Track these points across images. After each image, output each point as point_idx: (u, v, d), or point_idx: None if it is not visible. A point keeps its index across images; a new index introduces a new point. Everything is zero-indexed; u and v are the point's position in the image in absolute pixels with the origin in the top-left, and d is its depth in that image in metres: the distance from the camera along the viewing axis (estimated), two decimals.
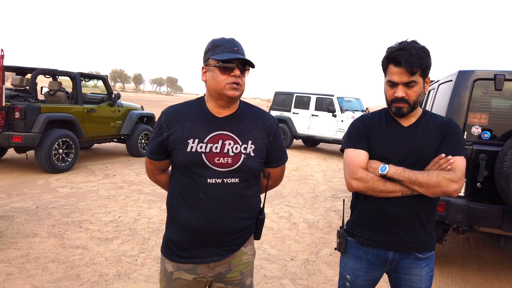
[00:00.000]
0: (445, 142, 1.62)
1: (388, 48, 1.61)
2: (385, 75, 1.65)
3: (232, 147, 1.55)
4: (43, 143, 6.43)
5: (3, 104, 6.10)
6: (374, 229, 1.70)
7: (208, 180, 1.52)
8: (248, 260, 1.67)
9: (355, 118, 1.86)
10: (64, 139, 6.78)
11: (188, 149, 1.52)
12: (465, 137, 3.29)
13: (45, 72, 7.11)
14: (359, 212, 1.76)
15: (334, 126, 11.23)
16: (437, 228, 3.64)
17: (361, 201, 1.75)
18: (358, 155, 1.67)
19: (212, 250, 1.56)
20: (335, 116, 11.17)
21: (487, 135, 3.25)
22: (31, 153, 7.03)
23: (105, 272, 3.28)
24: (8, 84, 7.30)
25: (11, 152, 7.86)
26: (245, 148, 1.56)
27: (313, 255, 4.00)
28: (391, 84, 1.61)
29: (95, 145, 9.78)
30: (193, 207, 1.53)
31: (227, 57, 1.49)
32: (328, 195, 6.64)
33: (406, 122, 1.68)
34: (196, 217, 1.53)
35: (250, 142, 1.58)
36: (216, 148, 1.53)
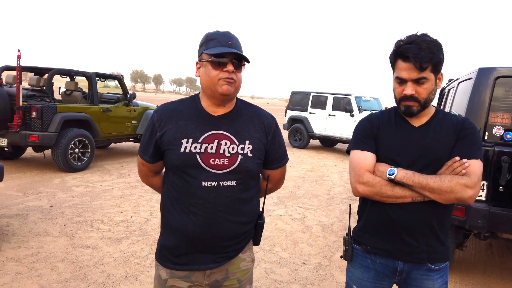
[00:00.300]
0: (459, 143, 1.49)
1: (396, 42, 1.49)
2: (393, 71, 1.53)
3: (228, 148, 1.46)
4: (59, 143, 6.51)
5: (20, 104, 6.20)
6: (382, 236, 1.58)
7: (203, 182, 1.43)
8: (247, 267, 1.58)
9: (363, 117, 1.75)
10: (80, 138, 6.85)
11: (182, 150, 1.44)
12: (486, 138, 3.12)
13: (61, 72, 7.20)
14: (366, 218, 1.65)
15: (352, 126, 11.00)
16: (457, 234, 3.47)
17: (368, 206, 1.64)
18: (365, 158, 1.56)
19: (208, 257, 1.48)
20: (352, 116, 10.96)
21: (510, 136, 3.06)
22: (48, 152, 7.12)
23: (113, 273, 3.25)
24: (25, 84, 7.42)
25: (30, 151, 8.00)
26: (242, 149, 1.47)
27: (326, 260, 3.88)
28: (400, 81, 1.49)
29: (112, 145, 9.88)
30: (187, 211, 1.45)
31: (220, 51, 1.40)
32: (344, 197, 6.49)
33: (417, 122, 1.56)
34: (191, 222, 1.45)
35: (247, 142, 1.49)
36: (211, 148, 1.45)
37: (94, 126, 7.24)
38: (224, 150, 1.45)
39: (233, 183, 1.46)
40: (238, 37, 1.52)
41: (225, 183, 1.45)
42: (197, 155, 1.44)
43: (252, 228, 1.58)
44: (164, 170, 1.61)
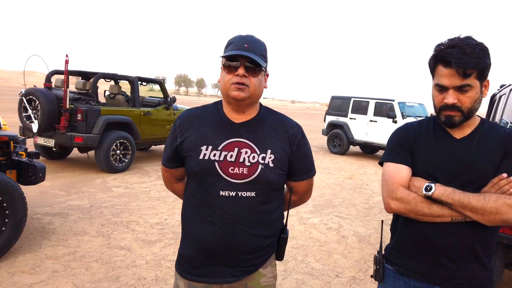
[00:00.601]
0: (507, 158, 1.33)
1: (437, 46, 1.35)
2: (433, 78, 1.39)
3: (248, 156, 1.40)
4: (102, 144, 6.75)
5: (67, 107, 6.49)
6: (417, 258, 1.44)
7: (221, 192, 1.38)
8: (268, 284, 1.50)
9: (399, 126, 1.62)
10: (121, 140, 7.07)
11: (201, 157, 1.40)
12: None
13: (106, 76, 7.48)
14: (400, 236, 1.52)
15: None
16: (506, 254, 3.18)
17: (401, 224, 1.51)
18: (399, 171, 1.44)
19: (226, 270, 1.42)
20: (395, 122, 10.55)
21: None
22: (92, 153, 7.41)
23: (144, 276, 3.28)
24: (73, 88, 7.78)
25: (75, 151, 8.38)
26: (263, 158, 1.40)
27: (361, 273, 3.70)
28: (440, 88, 1.35)
29: (152, 147, 10.13)
30: (205, 221, 1.41)
31: (226, 54, 1.37)
32: (384, 207, 6.21)
33: (459, 134, 1.41)
34: (208, 232, 1.39)
35: (269, 151, 1.41)
36: (231, 156, 1.39)
37: (135, 128, 7.45)
38: (244, 159, 1.39)
39: (253, 194, 1.40)
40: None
41: (244, 194, 1.39)
42: (216, 163, 1.39)
43: (274, 242, 1.50)
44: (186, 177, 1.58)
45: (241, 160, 1.39)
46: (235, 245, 1.39)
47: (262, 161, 1.40)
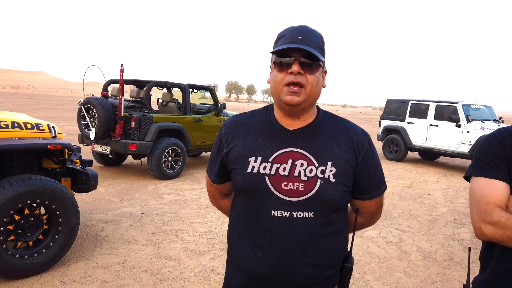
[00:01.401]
0: None
1: None
2: None
3: (305, 169, 1.18)
4: (154, 151, 6.83)
5: (122, 114, 6.65)
6: None
7: (273, 212, 1.17)
8: None
9: (489, 132, 1.32)
10: (173, 147, 7.12)
11: (249, 170, 1.20)
12: None
13: (158, 84, 7.61)
14: (495, 270, 1.22)
15: (458, 138, 9.80)
16: None
17: (497, 254, 1.21)
18: (494, 188, 1.15)
19: None
20: (459, 126, 9.76)
21: None
22: (145, 159, 7.55)
23: None
24: (127, 96, 8.00)
25: (130, 158, 8.60)
26: (323, 171, 1.18)
27: None
28: None
29: (203, 153, 10.18)
30: (254, 246, 1.20)
31: (277, 48, 1.15)
32: (449, 219, 5.66)
33: None
34: (258, 259, 1.19)
35: (329, 163, 1.18)
36: (284, 169, 1.18)
37: (186, 135, 7.49)
38: (299, 172, 1.18)
39: (310, 215, 1.17)
40: (324, 36, 1.23)
41: (300, 215, 1.17)
42: (266, 177, 1.18)
43: (336, 273, 1.26)
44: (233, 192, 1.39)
45: (296, 173, 1.18)
46: (290, 277, 1.17)
47: (321, 175, 1.17)
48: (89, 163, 3.91)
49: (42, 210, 3.26)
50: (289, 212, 1.17)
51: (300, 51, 1.14)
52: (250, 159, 1.21)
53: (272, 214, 1.17)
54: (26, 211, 3.11)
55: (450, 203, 6.70)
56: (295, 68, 1.14)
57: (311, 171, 1.18)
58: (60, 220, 3.27)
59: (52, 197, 3.19)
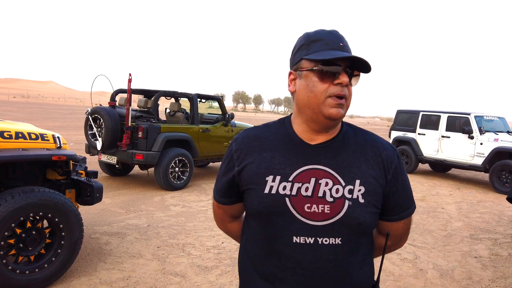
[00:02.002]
0: None
1: None
2: None
3: (330, 189, 1.04)
4: (161, 161, 6.72)
5: (129, 124, 6.57)
6: None
7: (294, 238, 1.03)
8: None
9: None
10: (180, 157, 7.01)
11: (266, 190, 1.06)
12: None
13: (166, 94, 7.53)
14: None
15: (471, 150, 9.58)
16: None
17: None
18: None
19: None
20: (472, 138, 9.54)
21: None
22: (152, 170, 7.45)
23: None
24: (135, 106, 7.93)
25: (137, 168, 8.51)
26: (351, 191, 1.04)
27: None
28: None
29: (211, 164, 10.06)
30: (271, 277, 1.06)
31: (331, 56, 1.00)
32: (465, 235, 5.45)
33: None
34: None
35: (357, 182, 1.05)
36: (306, 189, 1.04)
37: (194, 145, 7.38)
38: (324, 192, 1.04)
39: (338, 241, 1.03)
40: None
41: (326, 241, 1.03)
42: (287, 198, 1.05)
43: None
44: (244, 214, 1.26)
45: (320, 194, 1.04)
46: None
47: (349, 196, 1.04)
48: (95, 174, 3.81)
49: (45, 223, 3.15)
50: (313, 238, 1.03)
51: (346, 60, 1.03)
52: (267, 178, 1.07)
53: (294, 241, 1.03)
54: (28, 224, 3.00)
55: (465, 217, 6.48)
56: (345, 79, 1.02)
57: (337, 191, 1.04)
58: (63, 233, 3.16)
59: (55, 210, 3.08)
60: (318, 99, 1.03)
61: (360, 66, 1.05)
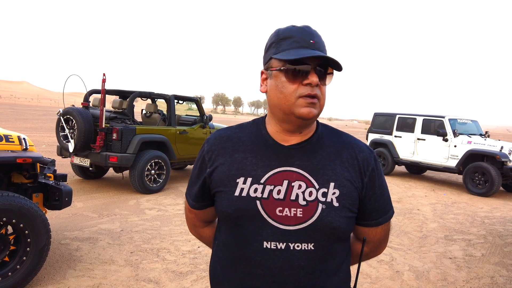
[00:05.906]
0: None
1: None
2: None
3: (303, 192, 0.99)
4: (136, 164, 6.55)
5: (103, 126, 6.38)
6: None
7: (265, 243, 0.98)
8: None
9: None
10: (156, 160, 6.86)
11: (237, 193, 1.01)
12: None
13: (142, 95, 7.36)
14: None
15: (445, 152, 9.79)
16: None
17: None
18: None
19: None
20: (446, 140, 9.75)
21: None
22: (127, 172, 7.26)
23: None
24: (109, 107, 7.72)
25: (111, 171, 8.29)
26: (324, 194, 0.99)
27: None
28: None
29: (188, 166, 9.91)
30: (241, 284, 1.00)
31: (298, 55, 0.95)
32: (440, 236, 5.53)
33: None
34: None
35: (332, 184, 1.00)
36: (278, 192, 0.99)
37: (171, 148, 7.24)
38: (297, 195, 0.99)
39: (311, 246, 0.98)
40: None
41: (298, 246, 0.98)
42: (258, 202, 0.99)
43: None
44: (217, 220, 1.19)
45: (293, 197, 0.99)
46: None
47: (323, 199, 0.99)
48: (64, 177, 3.64)
49: (9, 229, 2.98)
50: (285, 244, 0.97)
51: (316, 59, 0.97)
52: (238, 180, 1.02)
53: (265, 246, 0.98)
54: None
55: (440, 218, 6.59)
56: (314, 79, 0.97)
57: (310, 194, 0.99)
58: (28, 240, 3.00)
59: (20, 215, 2.92)
60: (288, 100, 0.99)
61: (332, 64, 1.00)
